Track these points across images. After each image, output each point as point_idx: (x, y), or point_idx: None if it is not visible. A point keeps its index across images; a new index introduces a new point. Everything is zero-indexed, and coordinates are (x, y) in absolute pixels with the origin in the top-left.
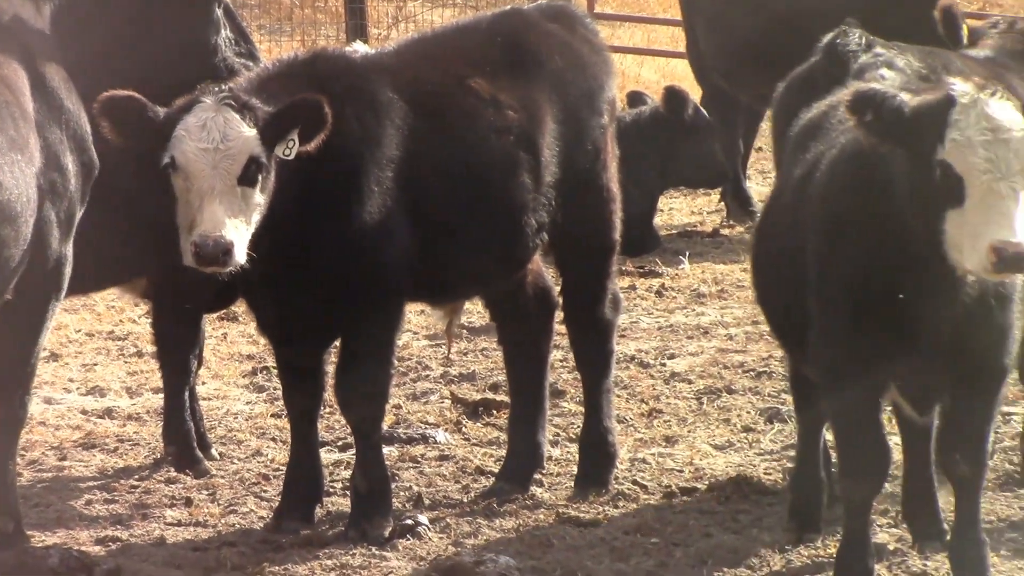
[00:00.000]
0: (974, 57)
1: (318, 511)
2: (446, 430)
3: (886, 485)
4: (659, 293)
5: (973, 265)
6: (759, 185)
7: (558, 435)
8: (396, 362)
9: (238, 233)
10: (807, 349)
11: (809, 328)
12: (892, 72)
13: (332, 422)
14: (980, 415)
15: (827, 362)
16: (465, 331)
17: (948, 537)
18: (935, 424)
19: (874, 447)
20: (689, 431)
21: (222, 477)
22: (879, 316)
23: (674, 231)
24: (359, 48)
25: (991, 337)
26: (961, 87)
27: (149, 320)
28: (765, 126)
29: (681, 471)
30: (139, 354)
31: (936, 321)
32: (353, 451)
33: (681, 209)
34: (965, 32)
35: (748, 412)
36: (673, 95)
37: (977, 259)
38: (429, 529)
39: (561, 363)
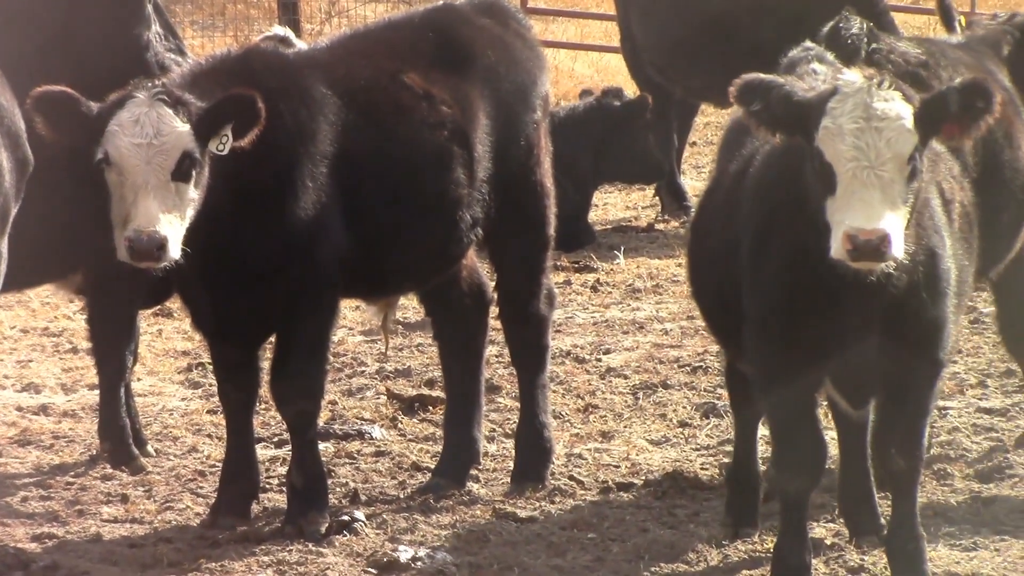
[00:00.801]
0: (954, 43)
1: (254, 507)
2: (382, 426)
3: (823, 479)
4: (594, 288)
5: (835, 253)
6: (694, 180)
7: (494, 431)
8: (331, 358)
9: (172, 228)
10: (742, 344)
11: (744, 323)
12: (823, 66)
13: (268, 418)
14: (915, 409)
15: (762, 357)
16: (400, 327)
17: (885, 531)
18: (871, 418)
19: (810, 442)
20: (625, 426)
21: (158, 473)
22: (811, 310)
23: (609, 226)
24: (277, 32)
25: (924, 331)
26: (850, 77)
27: (84, 316)
28: (699, 120)
29: (617, 466)
30: (74, 350)
31: (866, 315)
32: (289, 447)
33: (616, 204)
34: (963, 22)
35: (684, 407)
36: None
37: (836, 247)
38: (365, 525)
39: (497, 359)
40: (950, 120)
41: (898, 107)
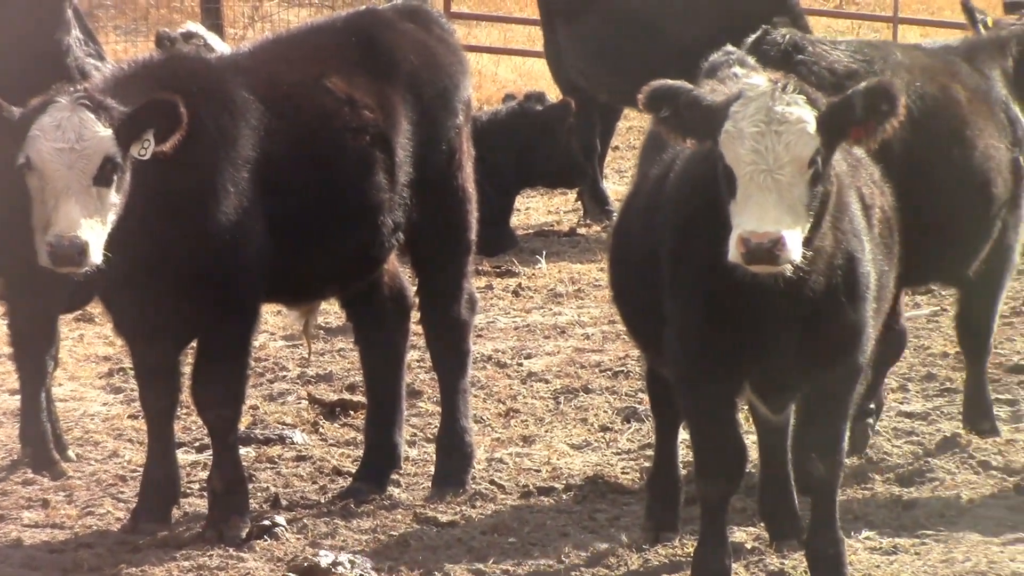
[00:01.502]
0: (925, 48)
1: (175, 512)
2: (303, 431)
3: (743, 483)
4: (516, 293)
5: (731, 257)
6: (616, 184)
7: (415, 435)
8: (253, 363)
9: (93, 233)
10: (663, 349)
11: (665, 328)
12: (744, 70)
13: (189, 423)
14: (835, 414)
15: (682, 361)
16: (322, 331)
17: (805, 535)
18: (791, 423)
19: (730, 446)
20: (546, 431)
21: (79, 479)
22: (730, 315)
23: (531, 230)
24: (190, 28)
25: (844, 335)
26: (755, 81)
27: (4, 321)
28: (622, 125)
29: (538, 471)
30: None
31: (784, 319)
32: (210, 452)
33: (538, 208)
34: (990, 23)
35: (605, 411)
36: None
37: (732, 250)
38: (286, 530)
39: (418, 363)
40: (856, 123)
41: (800, 111)
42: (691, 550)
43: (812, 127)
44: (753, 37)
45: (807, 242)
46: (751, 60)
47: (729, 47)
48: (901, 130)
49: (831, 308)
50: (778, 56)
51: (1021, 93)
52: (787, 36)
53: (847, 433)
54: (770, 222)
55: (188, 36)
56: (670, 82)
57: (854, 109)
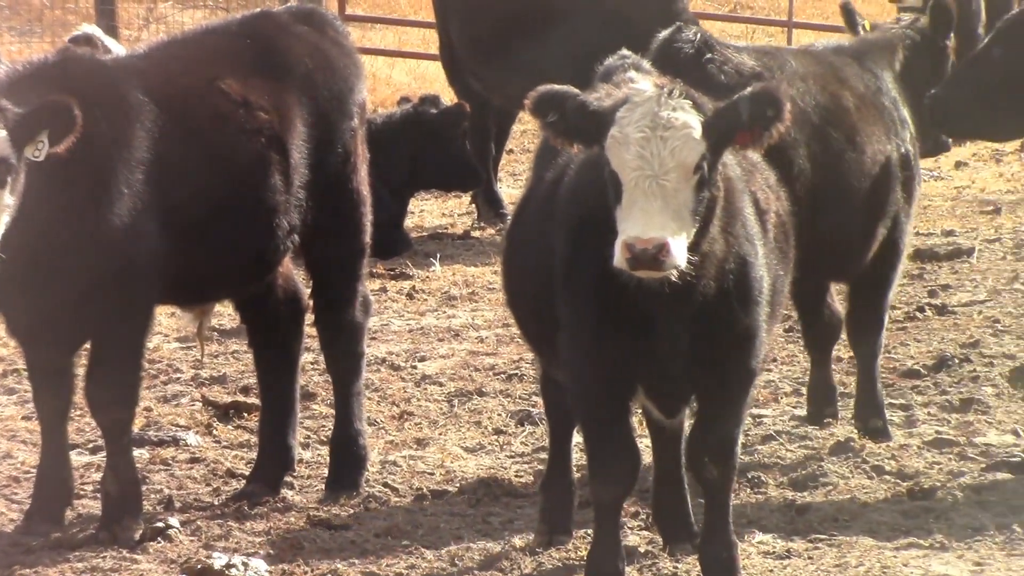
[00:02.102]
0: (816, 52)
1: (68, 513)
2: (197, 432)
3: (636, 487)
4: (410, 295)
5: (616, 262)
6: (510, 187)
7: (309, 438)
8: (146, 364)
9: None
10: (557, 352)
11: (558, 331)
12: (639, 74)
13: (82, 424)
14: (728, 418)
15: (575, 365)
16: (216, 334)
17: (699, 539)
18: (685, 427)
19: (623, 450)
20: (440, 433)
21: None
22: (622, 319)
23: (425, 233)
24: (86, 31)
25: (737, 339)
26: (642, 86)
27: None
28: (517, 128)
29: (432, 473)
30: None
31: (675, 323)
32: (104, 453)
33: (432, 211)
34: (867, 25)
35: (499, 414)
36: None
37: (617, 256)
38: (180, 531)
39: (312, 366)
40: (742, 129)
41: (685, 116)
42: (584, 553)
43: (698, 132)
44: (664, 35)
45: (694, 247)
46: (646, 64)
47: (624, 51)
48: (798, 136)
49: (723, 312)
50: (690, 54)
51: (907, 94)
52: (698, 35)
53: (740, 437)
54: (655, 228)
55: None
56: (557, 87)
57: (740, 115)
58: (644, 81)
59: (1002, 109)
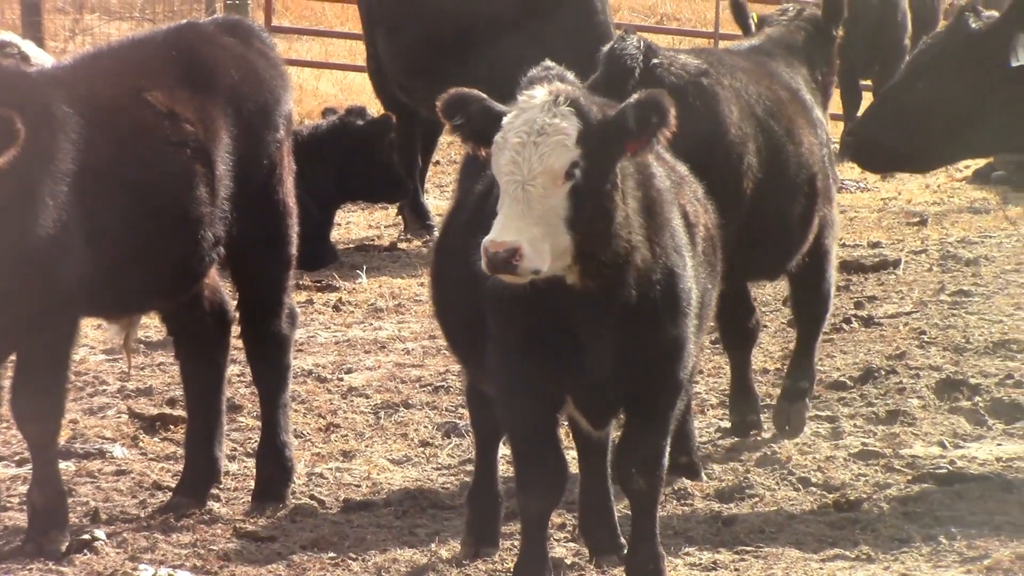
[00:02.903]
0: (739, 51)
1: None
2: (123, 445)
3: (563, 499)
4: (336, 307)
5: (482, 266)
6: (437, 199)
7: (235, 450)
8: (72, 376)
9: None
10: (483, 364)
11: (485, 343)
12: (563, 84)
13: (9, 436)
14: (655, 430)
15: (501, 377)
16: (142, 345)
17: (625, 551)
18: (612, 438)
19: (549, 461)
20: (367, 445)
21: None
22: (545, 330)
23: (351, 245)
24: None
25: (664, 351)
26: (535, 93)
27: None
28: (443, 140)
29: (359, 485)
30: None
31: (600, 334)
32: (30, 466)
33: (358, 223)
34: (755, 20)
35: (425, 426)
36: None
37: (482, 259)
38: (106, 544)
39: (238, 378)
40: (631, 136)
41: (564, 123)
42: (511, 565)
43: (571, 140)
44: (608, 49)
45: (589, 255)
46: (570, 75)
47: (547, 62)
48: (747, 130)
49: (650, 324)
50: (637, 60)
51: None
52: (641, 42)
53: (668, 449)
54: (510, 232)
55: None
56: (465, 90)
57: (627, 122)
58: (539, 88)
59: (927, 143)
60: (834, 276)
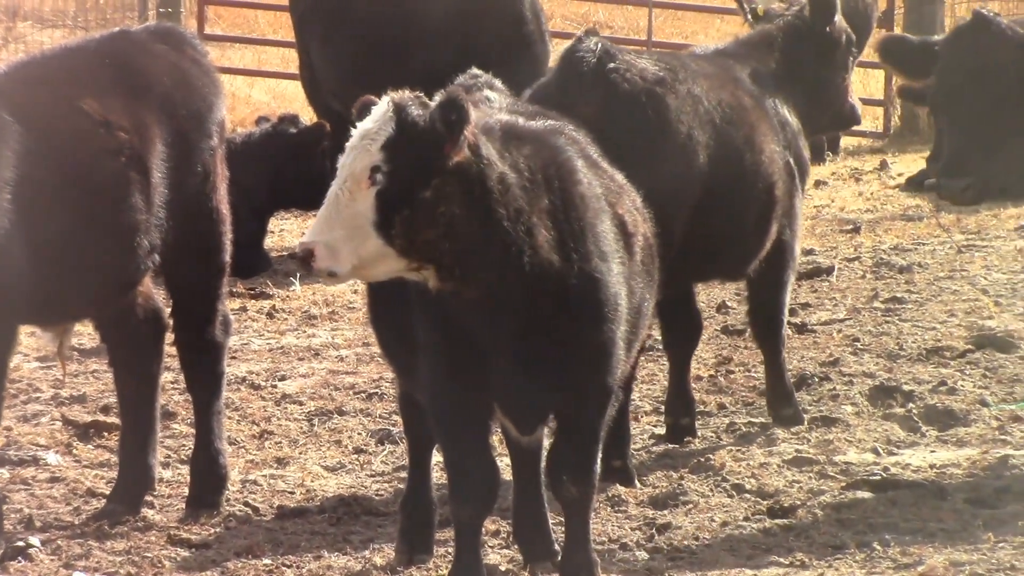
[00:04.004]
0: (706, 55)
1: None
2: (57, 452)
3: (498, 505)
4: (270, 315)
5: None
6: None
7: (169, 457)
8: (6, 384)
9: None
10: (416, 371)
11: (417, 350)
12: (494, 93)
13: None
14: (586, 436)
15: (429, 384)
16: (76, 353)
17: (559, 557)
18: (545, 444)
19: (481, 469)
20: (300, 452)
21: None
22: (464, 337)
23: (285, 252)
24: None
25: (590, 357)
26: (391, 96)
27: None
28: None
29: (292, 492)
30: None
31: (517, 340)
32: None
33: (292, 231)
34: (760, 11)
35: (359, 433)
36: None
37: None
38: (40, 551)
39: (172, 385)
40: (443, 139)
41: (377, 128)
42: (446, 572)
43: (376, 145)
44: (566, 49)
45: (434, 261)
46: (499, 83)
47: (475, 70)
48: (699, 137)
49: (571, 329)
50: (592, 64)
51: (789, 87)
52: (599, 45)
53: (600, 455)
54: (310, 234)
55: None
56: (371, 98)
57: (435, 127)
58: (400, 94)
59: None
60: (791, 282)
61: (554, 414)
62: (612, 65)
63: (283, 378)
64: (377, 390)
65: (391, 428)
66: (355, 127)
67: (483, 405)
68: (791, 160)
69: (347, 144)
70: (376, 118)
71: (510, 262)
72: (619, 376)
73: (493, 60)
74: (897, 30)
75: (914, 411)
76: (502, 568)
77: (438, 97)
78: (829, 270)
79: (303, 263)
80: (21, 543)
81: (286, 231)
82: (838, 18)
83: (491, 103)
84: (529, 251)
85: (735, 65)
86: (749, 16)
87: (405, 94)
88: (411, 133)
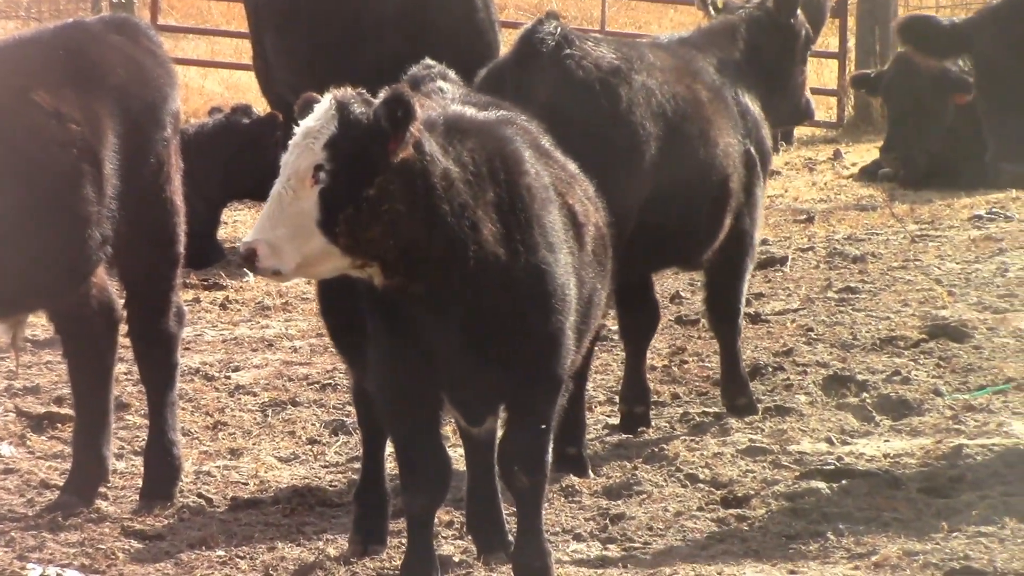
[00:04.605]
0: (666, 45)
1: None
2: (10, 443)
3: (451, 496)
4: (223, 306)
5: None
6: None
7: (123, 448)
8: None
9: None
10: (366, 363)
11: (367, 343)
12: (447, 84)
13: None
14: (535, 426)
15: (378, 375)
16: (29, 344)
17: (512, 548)
18: (498, 435)
19: (432, 460)
20: (254, 443)
21: None
22: (407, 328)
23: (238, 243)
24: None
25: (537, 347)
26: (334, 94)
27: None
28: None
29: (246, 483)
30: None
31: (460, 331)
32: None
33: (245, 222)
34: (721, 3)
35: (313, 424)
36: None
37: None
38: None
39: (126, 376)
40: (387, 136)
41: (320, 126)
42: (399, 563)
43: (319, 144)
44: (525, 30)
45: (379, 258)
46: (452, 73)
47: (428, 60)
48: (651, 129)
49: (516, 320)
50: (550, 47)
51: (751, 77)
52: (558, 29)
53: (551, 445)
54: (253, 232)
55: None
56: (316, 95)
57: (379, 123)
58: (343, 93)
59: None
60: (749, 271)
61: (505, 405)
62: (568, 51)
63: (237, 369)
64: (331, 381)
65: (345, 419)
66: (298, 124)
67: (432, 397)
68: (751, 149)
69: (290, 142)
70: (319, 116)
71: (455, 257)
72: (569, 366)
73: (446, 49)
74: (851, 21)
75: (868, 400)
76: (455, 559)
77: (383, 93)
78: (783, 260)
79: (247, 261)
80: None
81: (239, 222)
82: (798, 11)
83: (444, 94)
84: (474, 246)
85: (697, 55)
86: (710, 8)
87: (348, 91)
88: (354, 131)
